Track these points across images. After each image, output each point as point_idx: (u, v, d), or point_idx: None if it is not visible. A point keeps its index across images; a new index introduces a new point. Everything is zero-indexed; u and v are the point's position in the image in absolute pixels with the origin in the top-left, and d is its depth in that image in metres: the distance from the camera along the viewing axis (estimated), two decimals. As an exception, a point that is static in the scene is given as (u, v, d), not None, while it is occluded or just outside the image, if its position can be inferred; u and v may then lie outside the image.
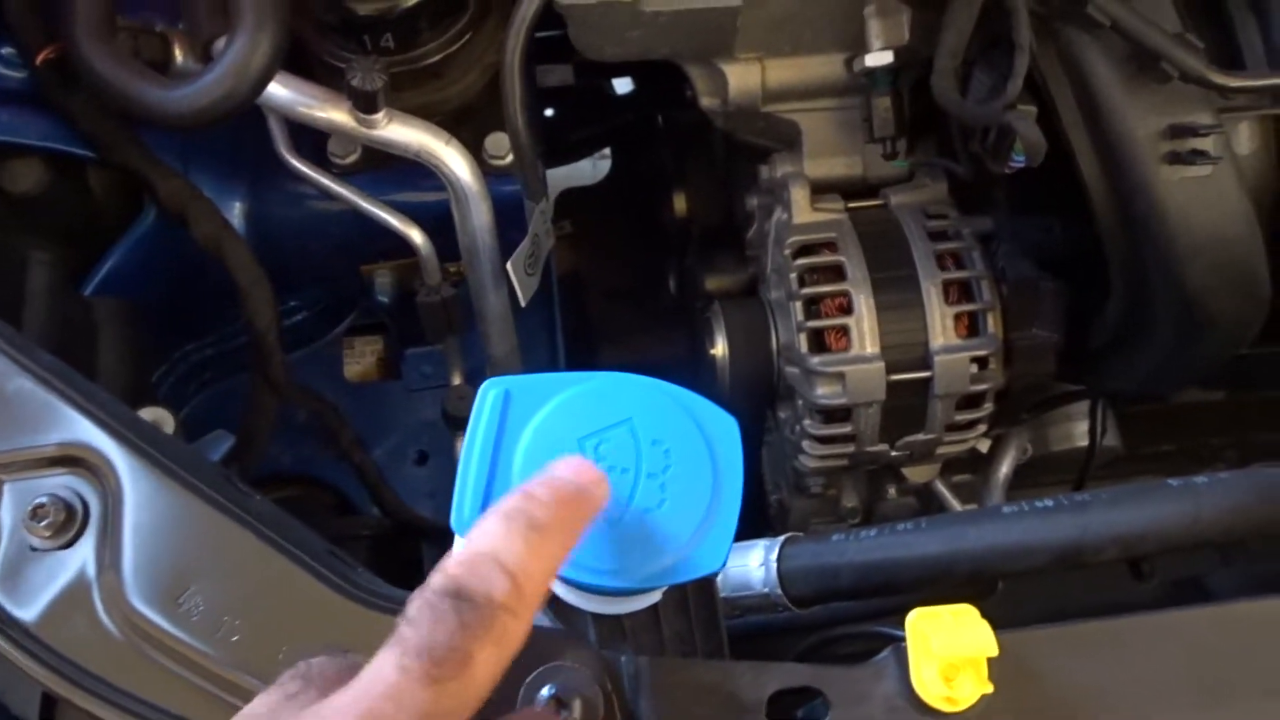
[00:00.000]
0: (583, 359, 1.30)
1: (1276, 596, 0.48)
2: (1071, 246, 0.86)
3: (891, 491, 1.05)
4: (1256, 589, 0.72)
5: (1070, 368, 0.91)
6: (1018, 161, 0.68)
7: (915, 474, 1.01)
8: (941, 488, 1.04)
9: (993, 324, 0.86)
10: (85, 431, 0.48)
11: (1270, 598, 0.48)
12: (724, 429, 0.48)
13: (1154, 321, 0.74)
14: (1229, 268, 0.67)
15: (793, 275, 0.88)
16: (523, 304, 0.82)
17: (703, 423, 0.48)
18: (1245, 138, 0.69)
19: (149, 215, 0.84)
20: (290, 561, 0.45)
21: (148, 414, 0.71)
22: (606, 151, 1.46)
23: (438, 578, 0.36)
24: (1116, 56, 0.66)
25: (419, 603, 0.35)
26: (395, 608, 0.43)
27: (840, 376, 0.86)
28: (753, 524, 1.13)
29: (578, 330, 1.32)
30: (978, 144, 0.72)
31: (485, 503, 0.45)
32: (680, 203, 1.19)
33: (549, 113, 1.42)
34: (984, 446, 1.04)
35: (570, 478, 0.41)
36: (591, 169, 1.53)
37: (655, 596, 0.49)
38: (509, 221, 0.86)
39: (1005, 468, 1.04)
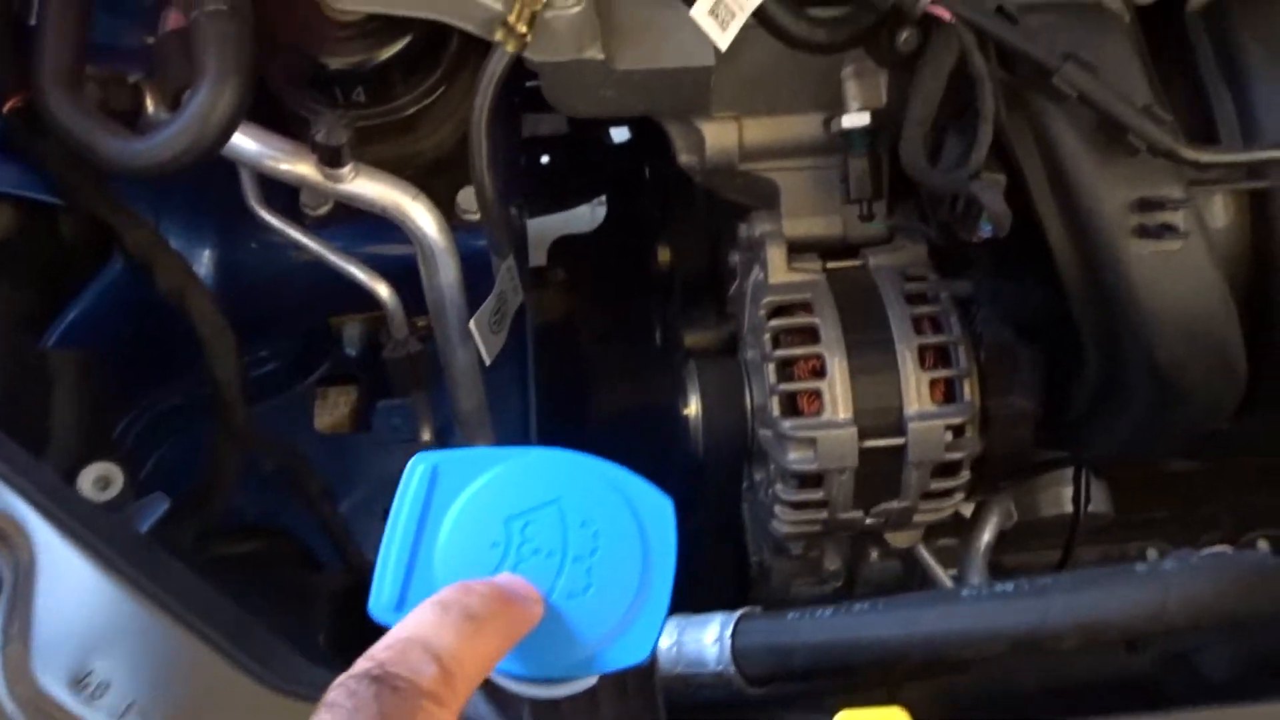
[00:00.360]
0: (573, 403, 1.29)
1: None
2: (1050, 311, 0.85)
3: (874, 555, 1.03)
4: (1252, 668, 0.70)
5: (1051, 434, 0.89)
6: (985, 231, 0.67)
7: (897, 539, 0.99)
8: (925, 553, 1.02)
9: (969, 390, 0.85)
10: (3, 500, 0.47)
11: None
12: (658, 511, 0.47)
13: (1129, 393, 0.72)
14: (1201, 344, 0.65)
15: (766, 336, 0.87)
16: (487, 362, 0.81)
17: (636, 504, 0.47)
18: (1220, 210, 0.68)
19: (117, 262, 0.84)
20: (203, 643, 0.44)
21: (97, 470, 0.70)
22: (604, 198, 1.47)
23: (362, 662, 0.34)
24: (1085, 127, 0.64)
25: (339, 688, 0.33)
26: (313, 694, 0.41)
27: (811, 441, 0.84)
28: (735, 585, 1.12)
29: (568, 374, 1.31)
30: (947, 212, 0.71)
31: (406, 585, 0.44)
32: (664, 254, 1.18)
33: (545, 159, 1.42)
34: (968, 510, 1.02)
35: (511, 584, 0.40)
36: (590, 215, 1.53)
37: (591, 680, 0.48)
38: (483, 275, 0.85)
39: (987, 535, 1.01)
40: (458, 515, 0.46)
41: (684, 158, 0.93)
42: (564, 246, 1.45)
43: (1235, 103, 0.65)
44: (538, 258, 1.42)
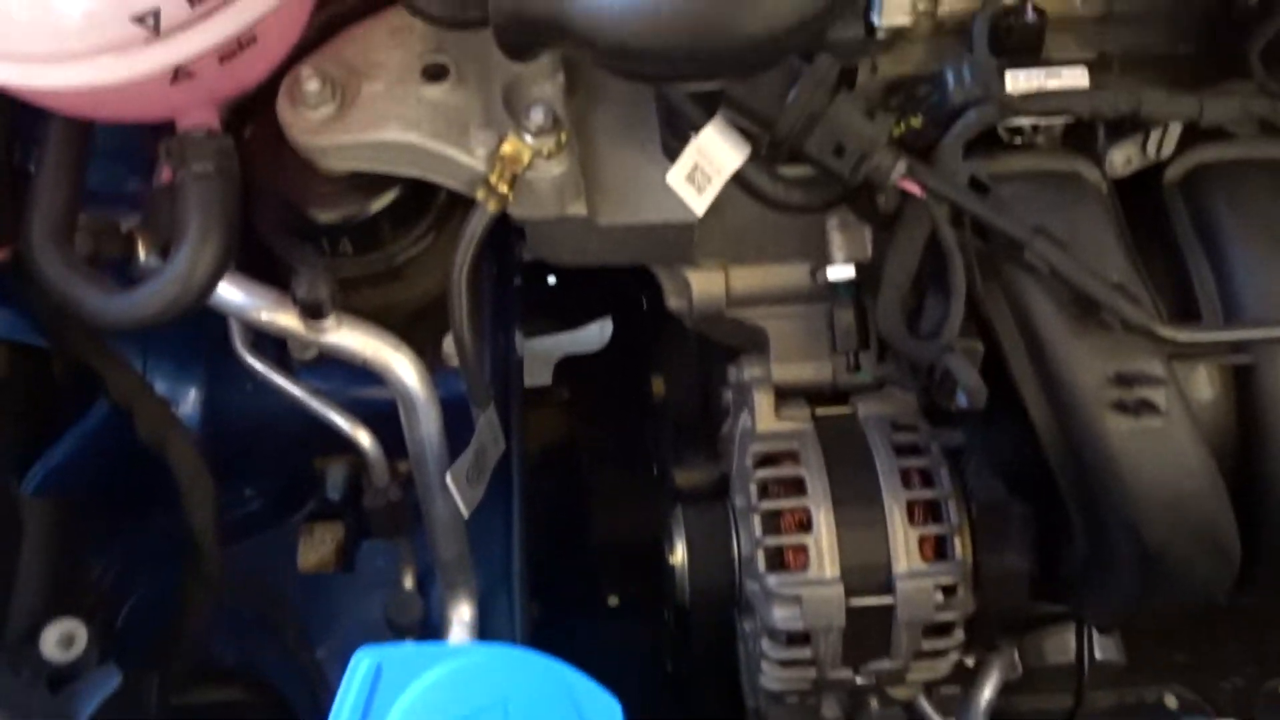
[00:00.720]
0: (574, 527, 1.27)
1: None
2: (1044, 466, 0.83)
3: (874, 704, 0.99)
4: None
5: (1049, 588, 0.86)
6: (962, 402, 0.65)
7: (896, 692, 0.96)
8: (926, 705, 0.98)
9: (960, 548, 0.82)
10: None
11: None
12: (606, 714, 0.46)
13: (1118, 568, 0.70)
14: (1189, 526, 0.63)
15: (753, 486, 0.85)
16: (464, 515, 0.80)
17: (583, 706, 0.46)
18: (1204, 382, 0.66)
19: (103, 405, 0.85)
20: None
21: (61, 628, 0.69)
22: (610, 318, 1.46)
23: None
24: (1060, 299, 0.63)
25: None
26: None
27: (797, 599, 0.82)
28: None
29: (570, 498, 1.30)
30: (924, 378, 0.70)
31: None
32: (657, 385, 1.17)
33: (551, 280, 1.43)
34: (972, 658, 0.98)
35: None
36: (600, 333, 1.53)
37: None
38: (469, 418, 0.85)
39: (988, 692, 0.97)
40: (402, 716, 0.45)
41: (673, 302, 0.93)
42: (569, 366, 1.44)
43: (1215, 274, 0.64)
44: (543, 376, 1.42)
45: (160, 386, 0.88)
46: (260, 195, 0.82)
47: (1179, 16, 0.71)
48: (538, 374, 1.40)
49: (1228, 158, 0.68)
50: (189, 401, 0.88)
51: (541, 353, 1.45)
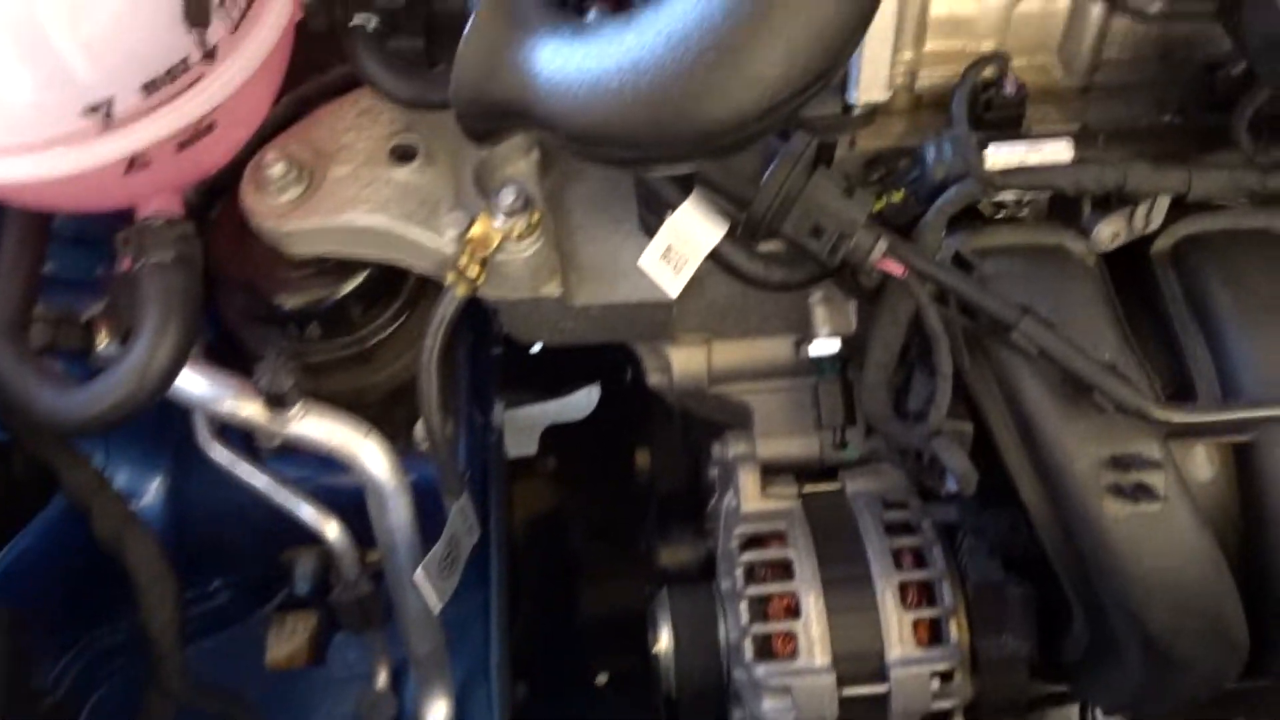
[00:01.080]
0: (562, 601, 1.22)
1: None
2: (1039, 545, 0.80)
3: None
4: None
5: (1050, 670, 0.83)
6: (952, 486, 0.63)
7: (898, 778, 0.91)
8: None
9: (956, 631, 0.79)
10: None
11: None
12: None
13: (1121, 656, 0.66)
14: (1194, 613, 0.60)
15: (739, 570, 0.82)
16: (435, 611, 0.76)
17: None
18: (1202, 461, 0.64)
19: (60, 502, 0.81)
20: None
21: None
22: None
23: None
24: (1050, 380, 0.61)
25: None
26: None
27: (787, 689, 0.78)
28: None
29: (558, 570, 1.26)
30: (912, 461, 0.67)
31: None
32: (642, 459, 1.14)
33: (536, 349, 1.41)
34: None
35: None
36: (586, 400, 1.50)
37: None
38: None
39: (989, 776, 0.93)
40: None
41: (654, 379, 0.90)
42: (555, 435, 1.41)
43: (1210, 352, 0.62)
44: (529, 446, 1.38)
45: (122, 476, 0.85)
46: (225, 280, 0.80)
47: (1161, 88, 0.70)
48: (523, 444, 1.36)
49: (1216, 229, 0.66)
50: (152, 491, 0.85)
51: (526, 422, 1.42)
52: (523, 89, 0.53)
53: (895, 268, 0.59)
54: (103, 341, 0.76)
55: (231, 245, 0.78)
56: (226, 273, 0.79)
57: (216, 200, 0.82)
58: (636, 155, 0.53)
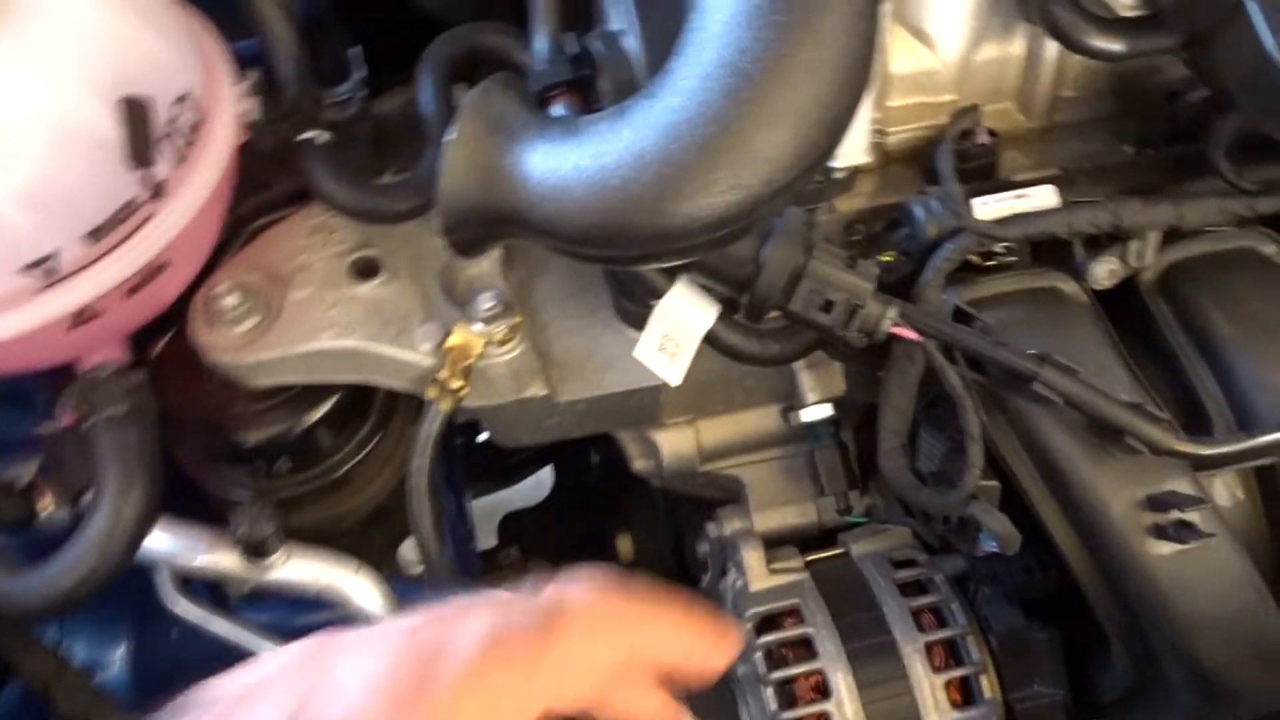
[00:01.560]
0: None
1: None
2: (1057, 586, 0.78)
3: None
4: None
5: (1088, 713, 0.81)
6: (989, 547, 0.61)
7: None
8: None
9: (988, 687, 0.77)
10: None
11: None
12: None
13: (1170, 694, 0.65)
14: (1248, 644, 0.59)
15: (758, 655, 0.78)
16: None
17: None
18: (1226, 490, 0.63)
19: (17, 685, 0.73)
20: None
21: None
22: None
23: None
24: (1074, 427, 0.60)
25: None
26: None
27: (829, 776, 0.74)
28: None
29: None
30: (940, 526, 0.65)
31: None
32: (624, 544, 1.10)
33: (483, 435, 1.35)
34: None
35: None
36: (539, 484, 1.45)
37: None
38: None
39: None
40: None
41: (639, 464, 0.87)
42: (514, 523, 1.36)
43: (1218, 382, 0.62)
44: (488, 538, 1.33)
45: (81, 650, 0.77)
46: (176, 421, 0.74)
47: (1120, 121, 0.71)
48: (481, 537, 1.31)
49: (1199, 253, 0.66)
50: (116, 661, 0.77)
51: (482, 514, 1.36)
52: (517, 196, 0.50)
53: (909, 333, 0.57)
54: (47, 507, 0.69)
55: (181, 383, 0.72)
56: (178, 414, 0.73)
57: (156, 337, 0.76)
58: (642, 252, 0.51)
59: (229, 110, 0.59)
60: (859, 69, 0.48)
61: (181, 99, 0.55)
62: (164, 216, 0.56)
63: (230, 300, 0.66)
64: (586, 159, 0.49)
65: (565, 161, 0.49)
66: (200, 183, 0.57)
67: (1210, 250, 0.66)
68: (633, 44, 0.61)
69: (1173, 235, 0.66)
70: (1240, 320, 0.63)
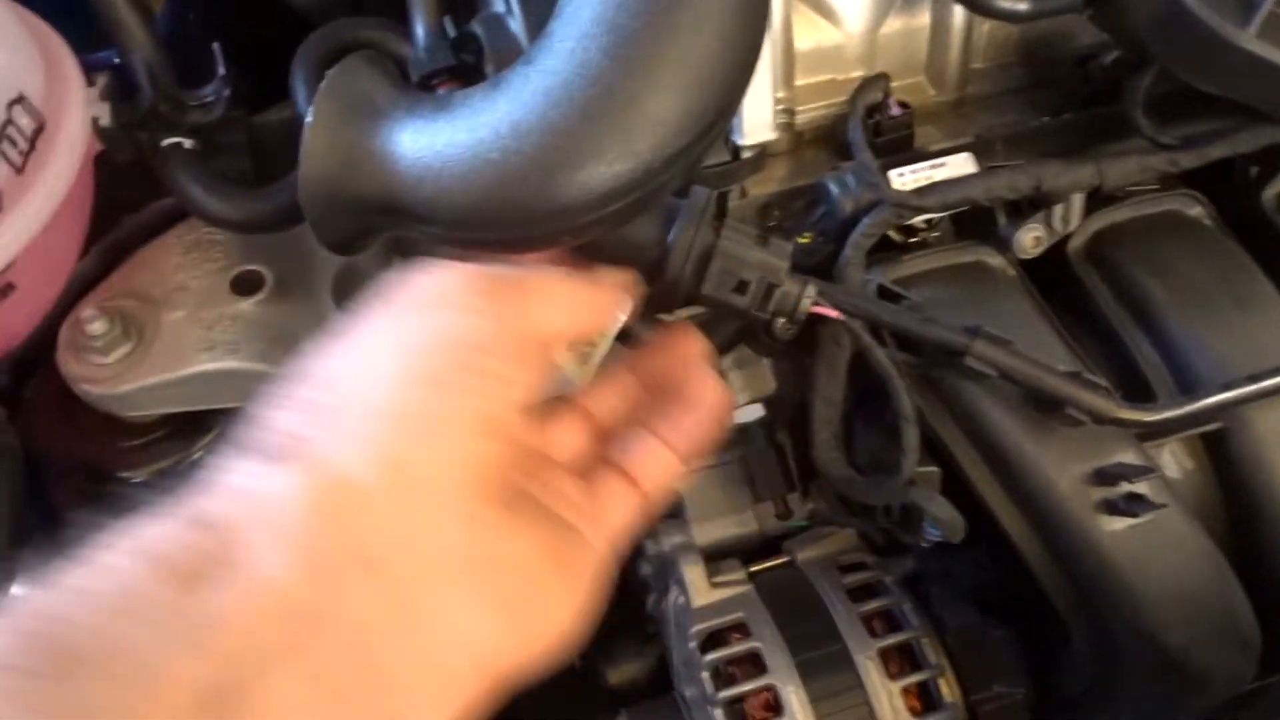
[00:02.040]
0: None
1: None
2: (1010, 581, 0.75)
3: None
4: None
5: (1053, 708, 0.77)
6: (934, 536, 0.57)
7: None
8: None
9: (947, 691, 0.73)
10: None
11: None
12: None
13: (1132, 679, 0.61)
14: (1209, 621, 0.56)
15: (705, 675, 0.73)
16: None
17: None
18: (1175, 458, 0.60)
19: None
20: None
21: None
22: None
23: None
24: (1011, 402, 0.57)
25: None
26: None
27: (787, 798, 0.70)
28: None
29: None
30: (883, 519, 0.61)
31: None
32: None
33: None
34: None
35: None
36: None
37: None
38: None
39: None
40: None
41: (567, 482, 0.82)
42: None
43: (1156, 348, 0.59)
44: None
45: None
46: (53, 464, 0.68)
47: (1033, 91, 0.68)
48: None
49: (1125, 219, 0.64)
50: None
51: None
52: (388, 180, 0.45)
53: (831, 312, 0.53)
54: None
55: (56, 423, 0.66)
56: (54, 455, 0.67)
57: (28, 378, 0.70)
58: (532, 233, 0.46)
59: (77, 116, 0.54)
60: (752, 22, 0.45)
61: (15, 102, 0.49)
62: (2, 233, 0.50)
63: (98, 326, 0.61)
64: (461, 134, 0.45)
65: (438, 139, 0.45)
66: (44, 195, 0.51)
67: (1137, 215, 0.64)
68: (516, 26, 0.57)
69: (1098, 201, 0.64)
70: (1173, 284, 0.60)
